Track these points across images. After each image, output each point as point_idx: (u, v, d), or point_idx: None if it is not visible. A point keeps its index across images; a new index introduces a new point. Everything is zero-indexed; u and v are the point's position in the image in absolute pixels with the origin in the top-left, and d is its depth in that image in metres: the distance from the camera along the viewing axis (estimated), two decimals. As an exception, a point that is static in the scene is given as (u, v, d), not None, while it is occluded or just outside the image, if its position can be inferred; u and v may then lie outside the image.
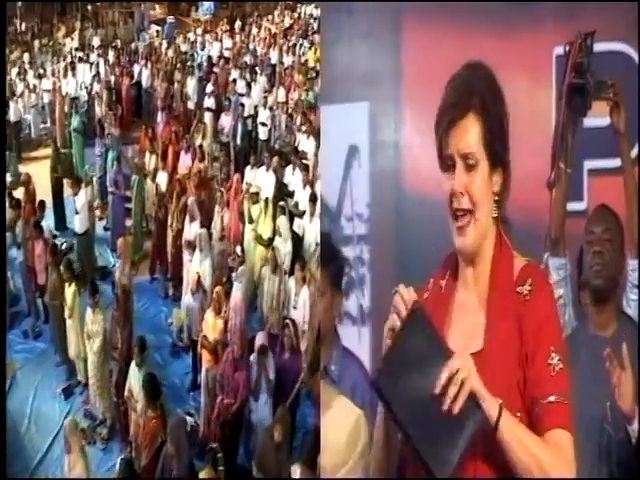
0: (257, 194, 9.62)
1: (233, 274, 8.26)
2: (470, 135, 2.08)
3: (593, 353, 3.11)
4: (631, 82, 3.63)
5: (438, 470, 1.92)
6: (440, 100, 2.15)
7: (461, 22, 4.47)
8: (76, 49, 18.26)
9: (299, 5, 24.61)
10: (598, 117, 3.35)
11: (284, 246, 8.80)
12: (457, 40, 4.35)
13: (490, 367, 2.02)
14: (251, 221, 9.46)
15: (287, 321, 6.50)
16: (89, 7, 22.47)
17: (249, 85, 14.79)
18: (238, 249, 8.70)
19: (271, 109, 13.64)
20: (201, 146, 11.58)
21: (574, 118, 3.24)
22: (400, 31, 4.83)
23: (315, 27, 22.46)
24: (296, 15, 24.40)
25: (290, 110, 13.56)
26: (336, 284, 3.88)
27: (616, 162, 3.51)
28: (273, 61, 17.66)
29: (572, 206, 3.53)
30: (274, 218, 9.16)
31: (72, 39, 19.14)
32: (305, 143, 12.06)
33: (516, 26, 4.38)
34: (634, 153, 3.74)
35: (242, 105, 13.58)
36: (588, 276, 3.31)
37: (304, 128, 12.12)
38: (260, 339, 6.41)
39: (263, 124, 13.31)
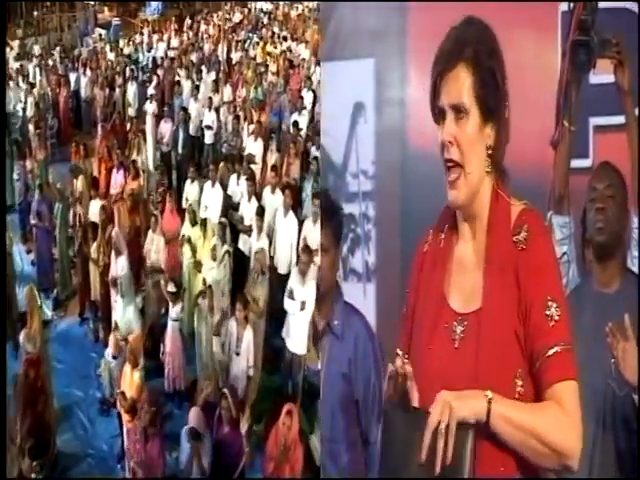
0: (194, 212, 8.89)
1: (171, 310, 7.59)
2: (460, 86, 2.11)
3: (597, 310, 3.25)
4: (633, 39, 3.76)
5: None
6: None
7: None
8: (15, 58, 17.56)
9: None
10: (604, 74, 3.46)
11: (218, 272, 8.05)
12: None
13: (489, 325, 2.06)
14: (189, 246, 8.58)
15: (224, 391, 5.94)
16: (35, 13, 22.02)
17: (196, 87, 14.10)
18: (170, 286, 7.76)
19: (217, 110, 12.93)
20: (134, 162, 10.63)
21: (578, 75, 3.34)
22: None
23: (265, 21, 22.82)
24: (246, 10, 24.84)
25: (238, 109, 13.23)
26: (337, 240, 4.12)
27: (622, 119, 3.61)
28: (221, 58, 17.17)
29: (578, 163, 3.69)
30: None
31: (12, 48, 18.63)
32: (253, 145, 11.43)
33: None
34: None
35: (184, 109, 12.87)
36: (591, 233, 3.40)
37: (252, 128, 11.66)
38: (193, 418, 5.76)
39: (208, 127, 12.61)
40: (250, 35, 20.42)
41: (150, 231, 8.59)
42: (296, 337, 7.31)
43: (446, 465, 1.87)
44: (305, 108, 13.18)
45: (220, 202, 9.49)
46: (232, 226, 9.21)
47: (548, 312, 2.01)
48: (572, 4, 3.23)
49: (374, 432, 4.06)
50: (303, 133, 12.34)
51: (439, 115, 2.17)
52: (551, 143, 3.39)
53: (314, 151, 11.19)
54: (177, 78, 14.77)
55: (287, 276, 8.23)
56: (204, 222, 8.62)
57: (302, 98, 13.46)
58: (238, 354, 6.87)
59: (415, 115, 4.89)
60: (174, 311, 7.42)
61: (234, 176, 10.05)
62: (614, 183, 3.45)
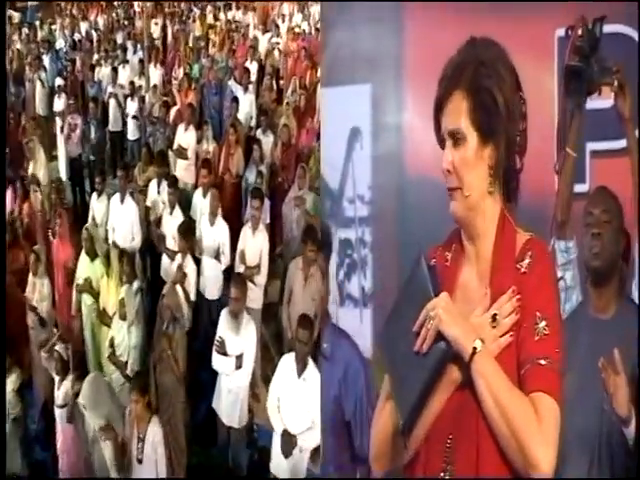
0: (92, 240, 7.32)
1: (57, 391, 6.03)
2: (456, 113, 2.45)
3: (592, 335, 3.71)
4: (632, 64, 4.25)
5: (400, 410, 2.37)
6: None
7: (463, 4, 5.27)
8: None
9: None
10: (601, 99, 3.92)
11: (130, 337, 6.60)
12: (459, 22, 5.01)
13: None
14: (89, 288, 7.19)
15: None
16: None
17: (114, 69, 12.84)
18: (59, 347, 6.09)
19: (143, 99, 11.73)
20: (23, 178, 9.33)
21: (577, 101, 3.74)
22: (402, 14, 5.71)
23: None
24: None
25: (174, 91, 12.19)
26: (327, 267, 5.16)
27: (619, 144, 4.21)
28: (156, 34, 15.66)
29: (574, 188, 4.08)
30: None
31: None
32: (183, 136, 10.15)
33: (518, 8, 5.03)
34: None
35: (94, 100, 11.51)
36: (587, 258, 3.88)
37: (183, 114, 10.55)
38: None
39: (134, 120, 11.35)
40: (191, 7, 19.79)
41: (30, 274, 7.41)
42: (232, 408, 6.28)
43: (419, 353, 2.34)
44: (251, 83, 12.43)
45: (134, 224, 8.36)
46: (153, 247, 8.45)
47: (536, 327, 2.29)
48: (569, 31, 3.67)
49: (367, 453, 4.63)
50: (247, 113, 11.48)
51: (442, 142, 2.52)
52: (554, 169, 3.82)
53: (259, 134, 10.42)
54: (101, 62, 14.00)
55: (218, 302, 7.64)
56: (107, 253, 7.65)
57: (247, 71, 11.56)
58: (141, 461, 5.53)
59: (412, 140, 5.48)
60: (61, 392, 5.99)
61: (155, 182, 9.04)
62: (610, 208, 3.89)
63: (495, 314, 2.30)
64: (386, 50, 5.78)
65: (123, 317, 6.59)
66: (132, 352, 6.57)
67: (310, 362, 5.65)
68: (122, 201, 8.30)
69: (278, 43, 15.98)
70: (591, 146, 4.88)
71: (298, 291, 7.12)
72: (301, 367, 5.61)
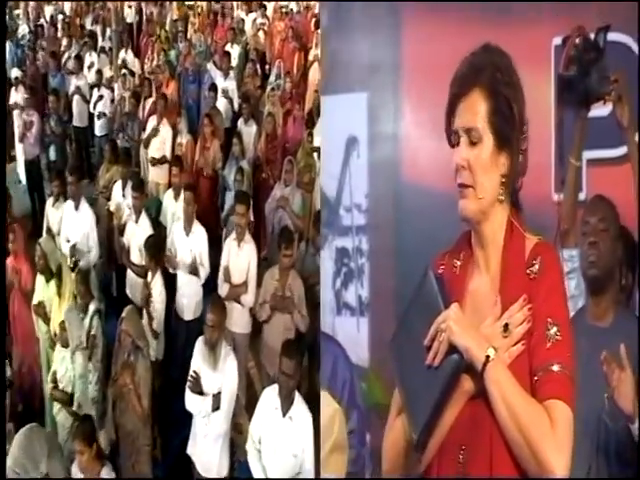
0: (45, 258, 6.63)
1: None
2: (474, 110, 2.62)
3: (591, 343, 3.90)
4: (631, 73, 4.50)
5: (413, 425, 2.51)
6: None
7: (461, 13, 5.60)
8: None
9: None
10: (598, 107, 4.20)
11: (74, 366, 5.87)
12: (457, 31, 5.32)
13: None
14: (43, 313, 6.61)
15: None
16: None
17: (77, 56, 12.09)
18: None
19: (112, 89, 11.18)
20: None
21: (577, 111, 3.98)
22: (400, 22, 6.16)
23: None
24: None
25: (142, 81, 11.50)
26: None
27: (616, 152, 4.53)
28: (130, 19, 15.11)
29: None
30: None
31: None
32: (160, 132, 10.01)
33: (515, 16, 5.39)
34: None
35: (55, 92, 10.67)
36: (584, 267, 4.20)
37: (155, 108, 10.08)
38: None
39: (102, 114, 10.70)
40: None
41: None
42: (209, 457, 5.70)
43: (431, 366, 2.52)
44: (232, 69, 12.07)
45: (90, 234, 7.68)
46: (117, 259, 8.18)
47: (548, 333, 2.44)
48: (564, 40, 3.93)
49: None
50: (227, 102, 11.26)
51: (453, 139, 2.69)
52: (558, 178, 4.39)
53: (241, 125, 9.92)
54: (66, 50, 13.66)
55: (198, 322, 7.05)
56: (59, 271, 6.84)
57: (228, 55, 11.03)
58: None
59: (409, 149, 5.71)
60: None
61: (119, 183, 8.50)
62: (607, 216, 4.17)
63: (507, 324, 2.47)
64: (383, 58, 6.23)
65: (65, 344, 5.98)
66: (78, 383, 5.96)
67: (297, 397, 5.26)
68: (77, 208, 7.67)
69: (264, 24, 15.62)
70: (588, 154, 5.11)
71: (276, 306, 7.81)
72: (287, 404, 5.19)
